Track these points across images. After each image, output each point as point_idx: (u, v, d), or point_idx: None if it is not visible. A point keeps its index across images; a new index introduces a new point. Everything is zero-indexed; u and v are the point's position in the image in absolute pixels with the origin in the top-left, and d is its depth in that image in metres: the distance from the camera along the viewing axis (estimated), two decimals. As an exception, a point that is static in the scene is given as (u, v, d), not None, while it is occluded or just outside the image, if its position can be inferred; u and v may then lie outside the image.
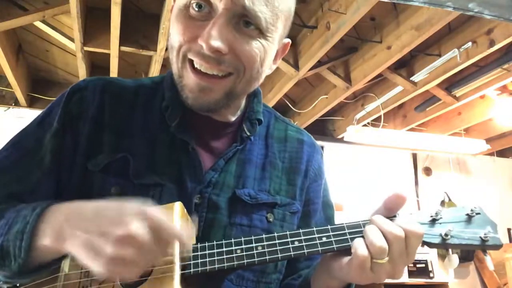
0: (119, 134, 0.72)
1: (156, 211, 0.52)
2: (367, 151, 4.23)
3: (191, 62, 0.65)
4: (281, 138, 0.82)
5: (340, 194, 3.70)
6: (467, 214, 0.63)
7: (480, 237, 0.61)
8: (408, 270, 3.43)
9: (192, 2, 0.63)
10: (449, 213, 0.64)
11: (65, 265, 0.59)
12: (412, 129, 3.96)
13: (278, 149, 0.80)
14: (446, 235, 0.61)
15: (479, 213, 0.63)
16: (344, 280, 0.65)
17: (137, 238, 0.49)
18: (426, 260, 3.53)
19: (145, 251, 0.49)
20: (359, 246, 0.58)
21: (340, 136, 4.01)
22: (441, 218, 0.63)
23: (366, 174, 4.12)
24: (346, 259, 0.61)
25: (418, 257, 3.52)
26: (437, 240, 0.61)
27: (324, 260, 0.68)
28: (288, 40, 0.77)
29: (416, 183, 4.44)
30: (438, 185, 4.46)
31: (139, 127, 0.73)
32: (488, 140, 4.04)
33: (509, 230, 4.50)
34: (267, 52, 0.67)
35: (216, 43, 0.61)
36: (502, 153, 4.91)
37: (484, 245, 0.61)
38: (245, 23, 0.63)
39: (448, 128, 4.00)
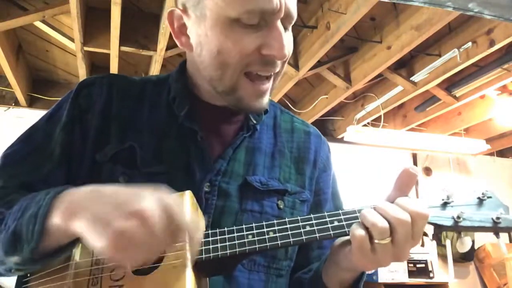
0: (127, 126, 0.73)
1: (170, 197, 0.51)
2: (367, 151, 4.23)
3: (248, 73, 0.67)
4: (288, 129, 0.84)
5: (340, 193, 3.69)
6: (479, 198, 0.64)
7: (492, 219, 0.61)
8: (408, 270, 3.43)
9: (244, 16, 0.62)
10: (461, 197, 0.64)
11: (76, 254, 0.59)
12: (412, 129, 3.96)
13: (286, 139, 0.82)
14: (458, 217, 0.61)
15: (490, 197, 0.64)
16: (351, 268, 0.65)
17: (148, 216, 0.48)
18: (426, 260, 3.53)
19: (154, 233, 0.48)
20: (355, 228, 0.58)
21: (340, 136, 4.01)
22: (452, 201, 0.64)
23: (366, 174, 4.12)
24: (349, 246, 0.61)
25: (418, 257, 3.52)
26: (449, 223, 0.62)
27: (331, 253, 0.68)
28: None
29: (416, 183, 4.43)
30: (438, 185, 4.46)
31: (146, 119, 0.75)
32: (488, 140, 4.04)
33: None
34: None
35: (288, 51, 0.65)
36: (502, 153, 4.91)
37: (497, 227, 0.61)
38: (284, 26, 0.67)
39: (448, 128, 4.00)
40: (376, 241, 0.57)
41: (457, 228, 0.62)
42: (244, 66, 0.65)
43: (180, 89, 0.76)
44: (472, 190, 0.65)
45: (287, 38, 0.67)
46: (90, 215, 0.49)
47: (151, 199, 0.49)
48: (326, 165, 0.85)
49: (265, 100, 0.70)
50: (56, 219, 0.53)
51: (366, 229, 0.58)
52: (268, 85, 0.69)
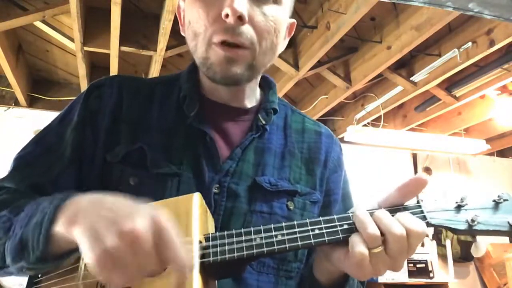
0: (136, 126, 0.73)
1: (168, 220, 0.49)
2: (367, 151, 4.23)
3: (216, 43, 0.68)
4: (298, 129, 0.83)
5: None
6: (494, 201, 0.61)
7: (509, 222, 0.58)
8: (408, 270, 3.44)
9: None
10: (475, 199, 0.61)
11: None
12: (412, 129, 3.96)
13: (296, 140, 0.81)
14: (472, 221, 0.59)
15: (506, 200, 0.61)
16: (341, 270, 0.63)
17: (137, 238, 0.46)
18: (426, 260, 3.53)
19: (139, 255, 0.46)
20: (356, 244, 0.56)
21: (340, 136, 4.01)
22: (466, 204, 0.61)
23: (366, 174, 4.12)
24: (345, 252, 0.59)
25: (418, 257, 3.53)
26: (463, 226, 0.59)
27: (323, 251, 0.66)
28: (294, 20, 0.79)
29: (416, 183, 4.43)
30: (438, 185, 4.46)
31: (156, 120, 0.75)
32: (488, 140, 4.04)
33: (509, 230, 4.49)
34: (281, 22, 0.71)
35: (240, 7, 0.63)
36: (502, 153, 4.92)
37: None
38: None
39: (448, 128, 4.00)
40: (371, 250, 0.55)
41: (472, 232, 0.59)
42: (210, 35, 0.66)
43: (190, 89, 0.76)
44: (487, 193, 0.62)
45: (255, 7, 0.67)
46: (86, 225, 0.48)
47: (145, 219, 0.48)
48: (337, 166, 0.84)
49: (236, 69, 0.68)
50: (59, 226, 0.53)
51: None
52: (239, 52, 0.67)
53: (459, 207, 0.61)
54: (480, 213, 0.60)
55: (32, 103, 3.42)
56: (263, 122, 0.76)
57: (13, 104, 3.42)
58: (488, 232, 0.59)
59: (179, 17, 0.77)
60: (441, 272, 3.79)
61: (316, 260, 0.69)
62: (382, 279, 3.32)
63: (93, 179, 0.71)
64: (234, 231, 0.59)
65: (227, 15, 0.63)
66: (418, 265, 3.51)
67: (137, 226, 0.46)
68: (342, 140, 3.92)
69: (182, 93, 0.76)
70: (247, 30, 0.66)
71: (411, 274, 3.44)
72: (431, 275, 3.49)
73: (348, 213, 0.60)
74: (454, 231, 0.60)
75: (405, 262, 3.43)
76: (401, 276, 3.38)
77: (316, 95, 3.56)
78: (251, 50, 0.68)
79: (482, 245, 0.61)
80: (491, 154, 4.77)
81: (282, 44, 0.76)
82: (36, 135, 0.76)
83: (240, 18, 0.64)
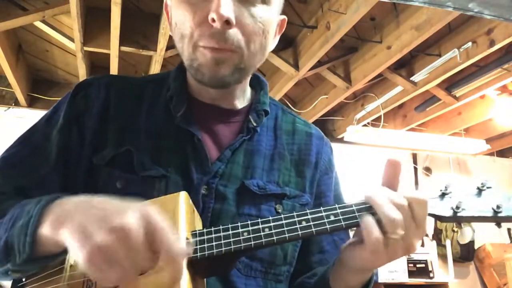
0: (124, 128, 0.72)
1: (158, 215, 0.48)
2: (367, 151, 4.23)
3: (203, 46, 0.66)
4: (289, 130, 0.82)
5: (343, 195, 3.68)
6: (478, 188, 0.62)
7: (493, 208, 0.59)
8: (408, 270, 3.44)
9: None
10: (459, 187, 0.63)
11: (71, 256, 0.58)
12: (412, 129, 3.96)
13: (286, 141, 0.80)
14: (457, 207, 0.60)
15: (490, 187, 0.62)
16: (360, 267, 0.63)
17: (128, 232, 0.45)
18: (426, 260, 3.53)
19: (131, 250, 0.45)
20: (372, 230, 0.56)
21: (340, 136, 4.01)
22: (451, 192, 0.62)
23: (366, 174, 4.12)
24: (357, 245, 0.60)
25: (418, 257, 3.52)
26: (448, 213, 0.60)
27: (339, 254, 0.67)
28: (284, 17, 0.78)
29: (416, 183, 4.44)
30: (438, 185, 4.46)
31: (144, 120, 0.73)
32: (488, 140, 4.04)
33: (509, 230, 4.49)
34: (270, 22, 0.69)
35: (226, 12, 0.62)
36: (502, 153, 4.91)
37: (497, 217, 0.59)
38: None
39: (448, 128, 4.00)
40: (388, 236, 0.55)
41: (457, 219, 0.60)
42: (196, 39, 0.65)
43: (177, 88, 0.75)
44: (471, 181, 0.64)
45: (242, 8, 0.65)
46: (74, 225, 0.47)
47: (135, 215, 0.46)
48: (328, 168, 0.83)
49: (224, 71, 0.66)
50: (45, 229, 0.51)
51: (379, 223, 0.56)
52: (226, 56, 0.66)
53: (443, 195, 0.63)
54: (464, 199, 0.61)
55: (32, 103, 3.42)
56: (254, 124, 0.75)
57: (13, 104, 3.42)
58: (473, 218, 0.60)
59: (167, 15, 0.76)
60: (441, 272, 3.79)
61: (334, 275, 0.69)
62: (382, 279, 3.32)
63: (79, 181, 0.69)
64: (221, 227, 0.59)
65: (213, 20, 0.62)
66: (418, 265, 3.51)
67: (126, 221, 0.45)
68: (342, 140, 3.92)
69: (170, 92, 0.75)
70: (234, 34, 0.64)
71: (411, 274, 3.44)
72: (431, 275, 3.49)
73: (334, 205, 0.61)
74: (440, 218, 0.61)
75: (405, 262, 3.44)
76: (401, 276, 3.38)
77: (316, 95, 3.56)
78: (239, 54, 0.66)
79: (468, 232, 0.63)
80: (491, 154, 4.76)
81: (272, 43, 0.74)
82: (21, 135, 0.74)
83: (227, 22, 0.62)
